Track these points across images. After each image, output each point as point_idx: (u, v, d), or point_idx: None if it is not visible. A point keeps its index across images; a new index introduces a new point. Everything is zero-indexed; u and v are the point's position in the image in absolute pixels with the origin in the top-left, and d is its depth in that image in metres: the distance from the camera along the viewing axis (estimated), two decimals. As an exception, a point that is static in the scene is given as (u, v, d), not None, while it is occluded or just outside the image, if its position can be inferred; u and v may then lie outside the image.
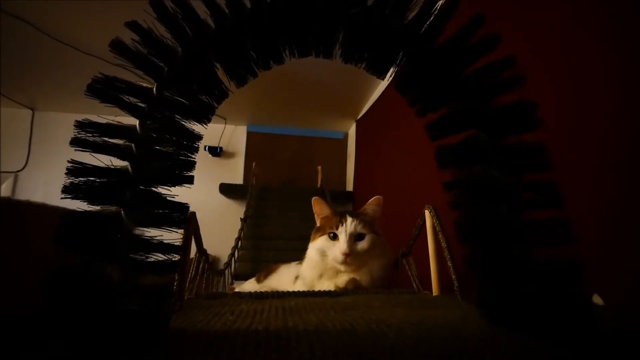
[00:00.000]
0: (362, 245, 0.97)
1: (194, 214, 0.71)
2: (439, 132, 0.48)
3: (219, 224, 2.65)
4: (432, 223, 0.84)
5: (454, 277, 0.75)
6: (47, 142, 3.13)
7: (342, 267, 0.97)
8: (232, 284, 1.69)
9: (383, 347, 0.39)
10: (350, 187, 3.15)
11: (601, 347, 0.38)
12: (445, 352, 0.39)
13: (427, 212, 0.86)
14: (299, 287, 1.03)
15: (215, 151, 3.22)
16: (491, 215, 0.44)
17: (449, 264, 0.76)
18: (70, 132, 0.45)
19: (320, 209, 1.09)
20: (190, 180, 0.46)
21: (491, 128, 0.46)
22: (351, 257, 0.95)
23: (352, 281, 0.96)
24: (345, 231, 0.98)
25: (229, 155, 3.34)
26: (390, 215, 1.87)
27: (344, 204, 2.93)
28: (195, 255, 0.90)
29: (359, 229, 0.99)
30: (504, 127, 0.45)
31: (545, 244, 0.43)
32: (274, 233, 2.16)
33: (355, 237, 0.98)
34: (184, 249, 0.64)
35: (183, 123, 0.45)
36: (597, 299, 0.56)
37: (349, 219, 1.00)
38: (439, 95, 0.47)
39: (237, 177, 3.26)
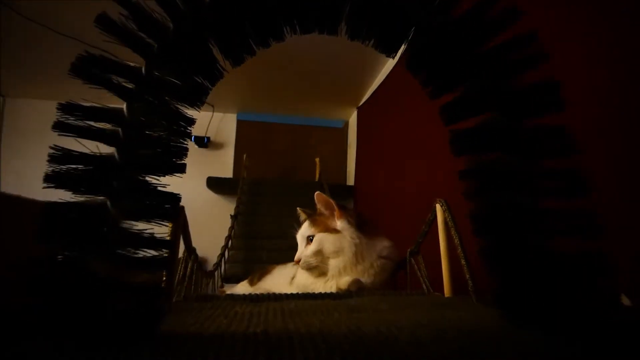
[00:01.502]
0: (311, 247, 1.06)
1: (183, 207, 0.71)
2: (454, 115, 0.48)
3: (207, 222, 2.64)
4: (444, 218, 0.86)
5: (467, 276, 0.76)
6: (19, 131, 3.13)
7: (309, 274, 1.07)
8: (222, 286, 1.70)
9: (394, 349, 0.40)
10: (351, 180, 3.16)
11: (622, 348, 0.39)
12: (461, 354, 0.39)
13: (438, 206, 0.87)
14: (296, 288, 1.08)
15: (202, 142, 3.22)
16: (510, 205, 0.45)
17: (463, 262, 0.78)
18: (45, 120, 0.45)
19: (325, 205, 1.14)
20: (181, 168, 0.47)
21: (511, 110, 0.46)
22: (303, 262, 1.06)
23: (355, 282, 0.98)
24: (301, 235, 1.11)
25: (218, 146, 3.35)
26: (397, 210, 1.88)
27: (344, 199, 2.94)
28: (184, 254, 0.91)
29: (309, 231, 1.10)
30: (524, 109, 0.46)
31: (569, 235, 0.44)
32: (268, 231, 2.17)
33: (307, 240, 1.09)
34: (173, 244, 0.65)
35: (174, 106, 0.46)
36: (625, 300, 0.57)
37: (306, 222, 1.13)
38: (454, 74, 0.47)
39: (226, 170, 3.27)
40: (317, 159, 3.11)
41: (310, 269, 1.07)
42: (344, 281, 0.99)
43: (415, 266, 1.00)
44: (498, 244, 0.47)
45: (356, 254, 1.04)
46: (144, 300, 0.42)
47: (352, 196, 2.98)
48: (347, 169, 3.37)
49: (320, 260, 1.06)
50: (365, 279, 1.01)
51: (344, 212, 1.12)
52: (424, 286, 0.96)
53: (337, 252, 1.05)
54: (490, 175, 0.48)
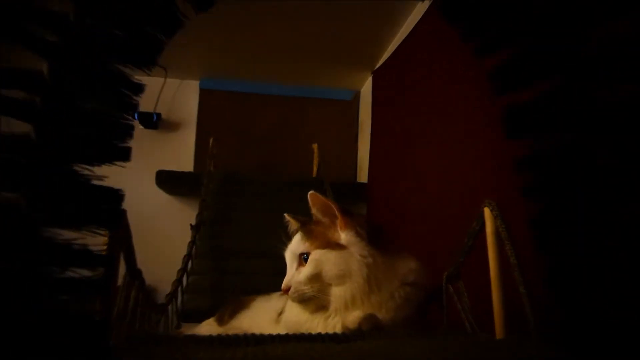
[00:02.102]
0: (305, 270, 1.08)
1: (124, 211, 0.71)
2: (509, 81, 0.49)
3: (157, 234, 2.66)
4: (495, 227, 0.86)
5: (528, 309, 0.77)
6: None
7: (303, 308, 1.09)
8: (178, 327, 1.70)
9: None
10: (363, 176, 3.12)
11: None
12: None
13: (487, 212, 0.88)
14: (285, 328, 1.08)
15: (150, 120, 3.12)
16: (589, 208, 0.45)
17: (521, 289, 0.78)
18: None
19: (323, 211, 1.15)
20: (124, 155, 0.48)
21: (586, 75, 0.46)
22: (294, 291, 1.07)
23: (369, 319, 0.98)
24: (290, 252, 1.14)
25: (172, 126, 3.30)
26: (427, 218, 1.88)
27: (354, 202, 2.90)
28: (125, 279, 0.92)
29: (302, 246, 1.11)
30: (604, 75, 0.46)
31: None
32: (245, 248, 2.16)
33: (300, 260, 1.11)
34: (111, 260, 0.65)
35: (115, 66, 0.45)
36: None
37: (299, 233, 1.15)
38: (507, 25, 0.48)
39: (184, 161, 3.21)
40: (315, 146, 3.05)
41: (304, 300, 1.07)
42: (354, 317, 0.99)
43: (455, 296, 1.00)
44: (572, 264, 0.48)
45: (369, 279, 1.04)
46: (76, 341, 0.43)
47: (364, 198, 2.96)
48: (358, 160, 3.33)
49: (318, 289, 1.07)
50: (383, 315, 1.01)
51: (351, 219, 1.12)
52: (466, 324, 0.96)
53: (342, 277, 1.06)
54: (560, 164, 0.48)
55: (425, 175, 2.02)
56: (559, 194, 0.47)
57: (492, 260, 0.87)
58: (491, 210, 0.87)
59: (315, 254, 1.09)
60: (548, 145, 0.47)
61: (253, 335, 0.82)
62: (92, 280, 0.46)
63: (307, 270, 1.08)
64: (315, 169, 3.04)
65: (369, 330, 0.95)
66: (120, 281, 0.90)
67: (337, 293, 1.05)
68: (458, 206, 1.62)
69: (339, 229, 1.12)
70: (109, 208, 0.48)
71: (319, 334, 0.88)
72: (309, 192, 1.15)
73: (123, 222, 0.72)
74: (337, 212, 1.12)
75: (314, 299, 1.06)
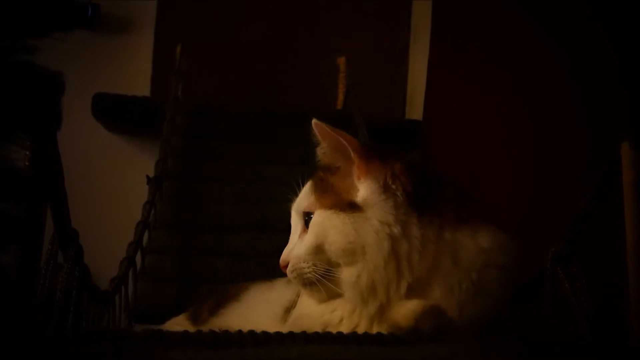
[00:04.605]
0: (305, 240, 0.94)
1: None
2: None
3: (94, 191, 2.25)
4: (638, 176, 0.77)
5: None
6: None
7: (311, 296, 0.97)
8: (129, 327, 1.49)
9: None
10: (416, 111, 2.55)
11: None
12: None
13: (625, 152, 0.78)
14: (296, 327, 0.89)
15: (82, 15, 2.31)
16: None
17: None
18: None
19: (333, 147, 0.98)
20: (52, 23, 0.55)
21: None
22: (293, 269, 0.94)
23: (430, 313, 0.84)
24: (295, 210, 1.00)
25: (117, 25, 2.53)
26: (516, 173, 1.68)
27: (402, 147, 2.34)
28: (53, 243, 0.83)
29: (307, 202, 0.97)
30: None
31: None
32: (228, 215, 1.83)
33: (304, 222, 0.98)
34: (34, 191, 0.62)
35: None
36: None
37: (309, 182, 1.02)
38: None
39: (136, 79, 2.51)
40: (342, 61, 2.40)
41: (305, 284, 0.93)
42: (407, 311, 0.84)
43: (566, 284, 0.90)
44: None
45: (395, 258, 0.88)
46: None
47: (416, 143, 2.33)
48: (408, 87, 2.63)
49: (323, 269, 0.92)
50: (451, 308, 0.87)
51: (379, 163, 0.94)
52: (582, 324, 0.85)
53: (352, 254, 0.90)
54: None
55: (518, 107, 1.76)
56: None
57: (629, 228, 0.77)
58: (632, 150, 0.78)
59: (318, 216, 0.94)
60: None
61: (252, 333, 0.72)
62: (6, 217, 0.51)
63: (307, 239, 0.94)
64: (340, 97, 2.42)
65: (432, 330, 0.82)
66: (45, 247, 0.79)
67: (347, 278, 0.90)
68: (569, 150, 1.43)
69: (355, 178, 0.94)
70: (29, 101, 0.51)
71: (354, 334, 0.79)
72: (313, 121, 0.96)
73: (53, 142, 0.66)
74: (351, 152, 0.94)
75: (317, 284, 0.93)
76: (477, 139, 1.98)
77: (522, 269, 0.96)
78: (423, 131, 2.27)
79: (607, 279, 0.84)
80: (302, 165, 1.06)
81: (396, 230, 0.87)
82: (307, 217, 0.96)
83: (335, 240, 0.91)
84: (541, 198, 1.44)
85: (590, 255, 0.93)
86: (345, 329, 0.89)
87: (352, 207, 0.91)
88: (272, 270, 1.13)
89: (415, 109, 2.48)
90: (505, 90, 1.90)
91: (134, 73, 2.57)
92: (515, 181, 1.69)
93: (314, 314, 0.95)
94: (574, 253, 0.94)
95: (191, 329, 1.08)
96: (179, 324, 1.29)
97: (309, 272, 0.93)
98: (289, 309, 1.06)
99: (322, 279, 0.92)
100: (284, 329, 0.87)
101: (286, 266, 0.95)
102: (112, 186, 2.30)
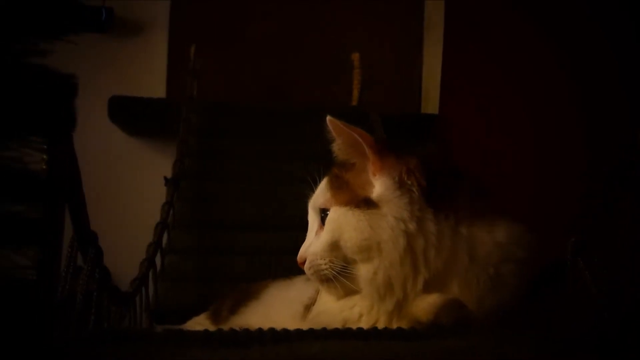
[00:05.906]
0: (322, 237, 0.95)
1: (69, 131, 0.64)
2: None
3: (112, 194, 2.26)
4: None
5: None
6: None
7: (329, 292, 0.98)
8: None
9: None
10: (432, 105, 2.47)
11: None
12: None
13: None
14: (317, 324, 0.90)
15: (98, 19, 2.32)
16: None
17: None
18: None
19: (348, 144, 0.98)
20: (65, 26, 0.54)
21: None
22: (310, 265, 0.95)
23: (450, 306, 0.85)
24: (311, 207, 1.01)
25: (131, 28, 2.52)
26: (536, 167, 1.66)
27: (419, 141, 2.20)
28: (72, 246, 0.83)
29: (323, 198, 0.98)
30: None
31: None
32: (246, 214, 1.84)
33: (320, 219, 0.98)
34: (52, 192, 0.62)
35: None
36: None
37: (326, 179, 1.02)
38: None
39: (151, 81, 2.51)
40: (356, 57, 2.37)
41: (323, 281, 0.95)
42: (427, 305, 0.86)
43: (587, 275, 0.88)
44: None
45: (411, 255, 0.89)
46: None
47: (433, 137, 2.29)
48: (423, 81, 2.56)
49: (340, 265, 0.93)
50: (470, 302, 0.88)
51: (395, 158, 0.94)
52: (604, 316, 0.83)
53: (367, 250, 0.91)
54: None
55: (538, 97, 1.75)
56: None
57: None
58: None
59: (334, 213, 0.95)
60: None
61: (272, 330, 0.74)
62: (23, 220, 0.51)
63: (323, 236, 0.96)
64: (355, 93, 2.39)
65: (451, 324, 0.82)
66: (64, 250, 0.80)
67: (363, 274, 0.92)
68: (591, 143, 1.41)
69: (371, 174, 0.96)
70: (45, 105, 0.52)
71: (373, 330, 0.80)
72: (327, 118, 0.97)
73: (69, 144, 0.65)
74: (366, 148, 0.95)
75: (334, 281, 0.94)
76: (492, 132, 1.96)
77: (540, 260, 0.96)
78: (439, 125, 2.23)
79: (623, 270, 0.83)
80: (319, 162, 1.06)
81: (412, 226, 0.89)
82: (323, 213, 0.97)
83: (351, 237, 0.92)
84: (565, 189, 1.44)
85: (607, 245, 0.91)
86: (364, 324, 0.89)
87: (367, 203, 0.92)
88: (291, 268, 1.15)
89: (430, 103, 2.43)
90: (521, 82, 1.87)
91: (149, 75, 2.59)
92: (537, 171, 1.68)
93: (333, 310, 0.96)
94: (595, 243, 0.92)
95: (212, 328, 1.09)
96: (199, 323, 1.31)
97: (326, 269, 0.94)
98: (308, 307, 1.06)
99: (338, 275, 0.93)
100: (304, 326, 0.88)
101: (304, 263, 0.97)
102: (131, 188, 2.31)
